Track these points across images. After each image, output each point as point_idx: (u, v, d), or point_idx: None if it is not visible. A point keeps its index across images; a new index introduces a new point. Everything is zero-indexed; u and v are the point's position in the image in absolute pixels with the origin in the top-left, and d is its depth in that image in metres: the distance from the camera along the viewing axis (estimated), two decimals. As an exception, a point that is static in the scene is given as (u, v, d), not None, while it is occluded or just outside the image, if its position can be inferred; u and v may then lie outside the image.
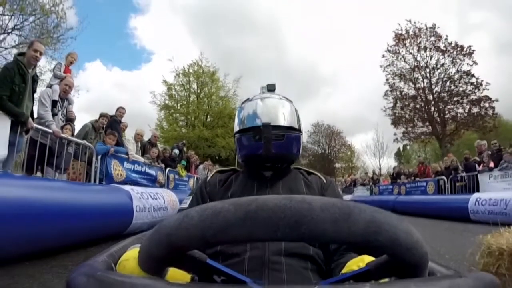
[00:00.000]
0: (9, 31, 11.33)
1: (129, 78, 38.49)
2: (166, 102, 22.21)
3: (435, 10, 29.31)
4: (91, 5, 30.66)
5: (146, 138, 6.72)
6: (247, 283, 0.40)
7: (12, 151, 2.92)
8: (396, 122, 20.56)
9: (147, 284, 0.32)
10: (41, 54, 3.16)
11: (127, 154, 5.04)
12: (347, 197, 13.74)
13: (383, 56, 21.16)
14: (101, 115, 4.71)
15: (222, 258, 0.69)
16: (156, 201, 4.62)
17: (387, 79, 21.17)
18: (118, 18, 38.63)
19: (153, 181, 5.95)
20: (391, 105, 20.86)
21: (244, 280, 0.41)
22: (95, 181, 4.17)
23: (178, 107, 22.75)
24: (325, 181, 0.90)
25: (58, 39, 12.49)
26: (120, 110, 5.33)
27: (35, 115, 3.48)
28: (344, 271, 0.57)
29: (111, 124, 4.88)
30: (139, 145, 6.08)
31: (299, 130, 0.88)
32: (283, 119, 0.85)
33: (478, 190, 6.50)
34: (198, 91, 23.32)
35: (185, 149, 9.08)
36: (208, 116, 23.39)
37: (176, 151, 7.70)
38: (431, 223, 6.04)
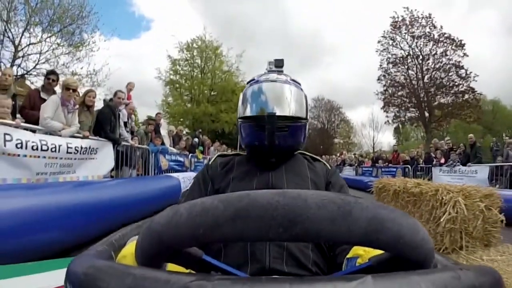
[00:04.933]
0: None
1: (129, 47, 37.62)
2: (171, 77, 22.90)
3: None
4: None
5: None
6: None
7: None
8: (386, 105, 21.82)
9: (147, 274, 0.30)
10: (123, 99, 4.79)
11: (167, 149, 6.87)
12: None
13: (379, 41, 21.74)
14: (149, 120, 6.49)
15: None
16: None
17: (381, 65, 21.94)
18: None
19: (182, 166, 7.80)
20: (383, 89, 21.91)
21: (242, 275, 0.41)
22: (152, 172, 6.01)
23: (183, 82, 23.45)
24: (329, 167, 0.89)
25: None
26: (159, 116, 7.09)
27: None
28: (349, 255, 0.57)
29: (155, 128, 6.64)
30: (171, 138, 7.88)
31: (305, 118, 0.84)
32: (290, 108, 0.81)
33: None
34: (202, 66, 23.77)
35: (201, 136, 10.91)
36: (212, 91, 23.98)
37: (196, 139, 9.53)
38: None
